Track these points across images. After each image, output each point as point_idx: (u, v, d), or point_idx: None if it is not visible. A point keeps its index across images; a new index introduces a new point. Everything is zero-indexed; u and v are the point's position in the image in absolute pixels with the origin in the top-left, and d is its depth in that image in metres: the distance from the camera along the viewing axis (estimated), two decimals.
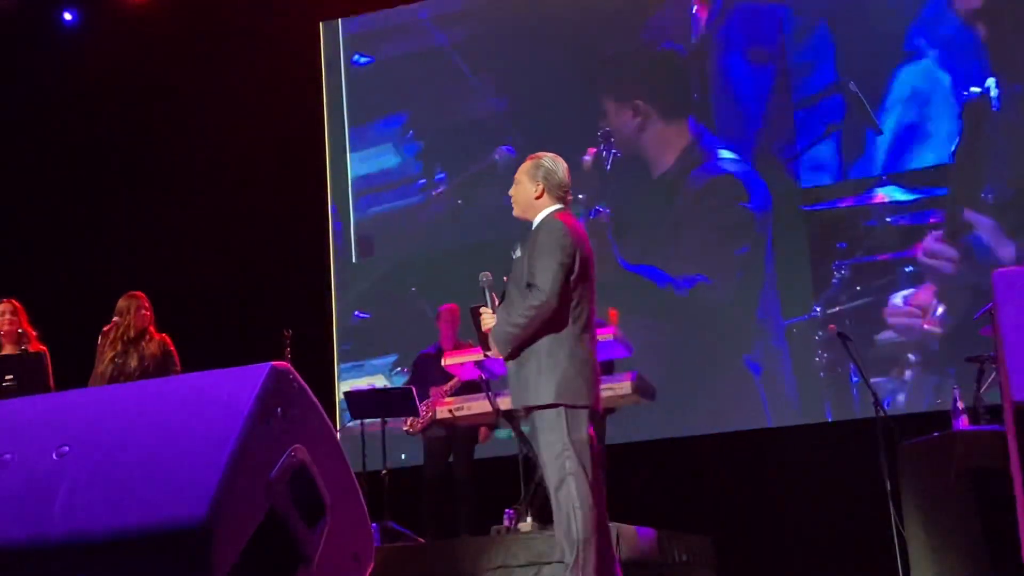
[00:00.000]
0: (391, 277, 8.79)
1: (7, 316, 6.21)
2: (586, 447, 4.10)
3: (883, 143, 7.02)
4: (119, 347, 6.13)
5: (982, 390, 5.55)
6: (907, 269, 6.83)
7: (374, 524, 5.14)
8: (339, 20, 9.50)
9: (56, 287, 8.90)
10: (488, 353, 4.46)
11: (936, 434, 5.41)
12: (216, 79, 9.40)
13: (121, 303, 6.22)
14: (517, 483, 6.06)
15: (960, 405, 5.42)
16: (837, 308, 6.94)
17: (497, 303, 4.31)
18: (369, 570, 3.01)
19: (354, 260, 9.09)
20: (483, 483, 7.18)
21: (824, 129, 7.18)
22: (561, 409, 4.08)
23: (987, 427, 5.30)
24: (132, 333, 6.17)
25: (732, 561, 6.64)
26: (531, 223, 4.27)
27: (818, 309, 7.07)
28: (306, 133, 9.38)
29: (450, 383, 6.83)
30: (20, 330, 6.17)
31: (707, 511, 7.26)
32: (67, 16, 9.85)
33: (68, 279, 9.17)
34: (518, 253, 4.20)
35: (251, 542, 2.59)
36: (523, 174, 4.30)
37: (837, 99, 7.22)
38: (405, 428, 7.16)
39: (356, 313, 8.66)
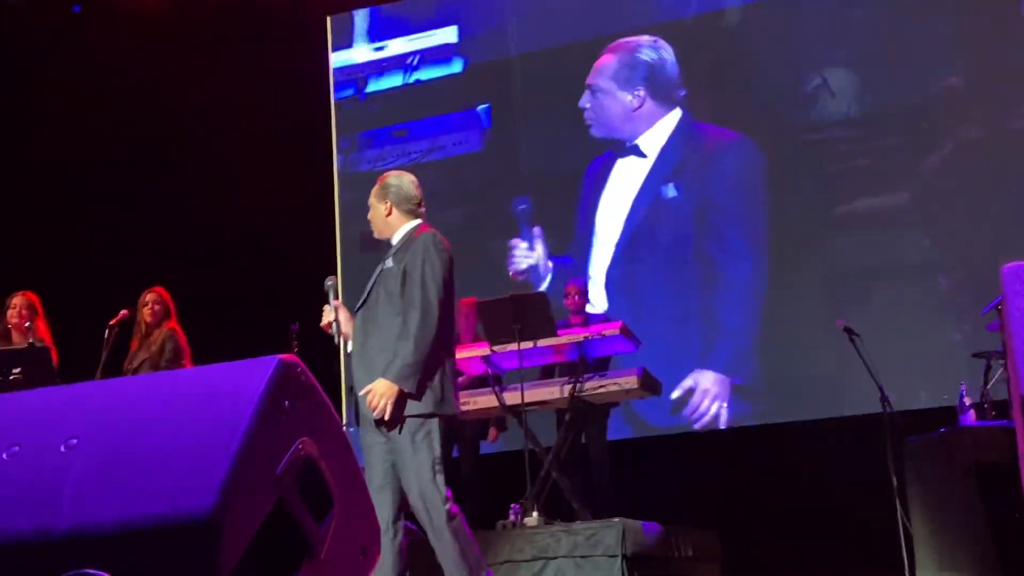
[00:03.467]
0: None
1: (19, 309, 6.24)
2: (439, 460, 4.08)
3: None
4: (137, 346, 6.17)
5: (989, 385, 5.54)
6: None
7: None
8: (351, 12, 9.52)
9: (62, 281, 8.90)
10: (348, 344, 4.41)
11: (943, 430, 5.41)
12: (222, 71, 9.40)
13: (146, 296, 6.26)
14: (523, 478, 6.07)
15: (967, 400, 5.42)
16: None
17: (342, 309, 4.37)
18: (376, 564, 3.01)
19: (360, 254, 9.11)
20: (489, 478, 7.18)
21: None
22: (432, 421, 4.07)
23: (994, 422, 5.30)
24: (148, 330, 6.19)
25: (738, 556, 6.64)
26: (390, 240, 4.34)
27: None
28: (313, 125, 9.38)
29: (459, 378, 6.83)
30: (28, 324, 6.19)
31: (713, 506, 7.26)
32: (76, 9, 9.86)
33: (74, 273, 9.18)
34: (389, 264, 4.23)
35: (258, 535, 2.59)
36: (372, 197, 4.40)
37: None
38: None
39: None
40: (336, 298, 4.40)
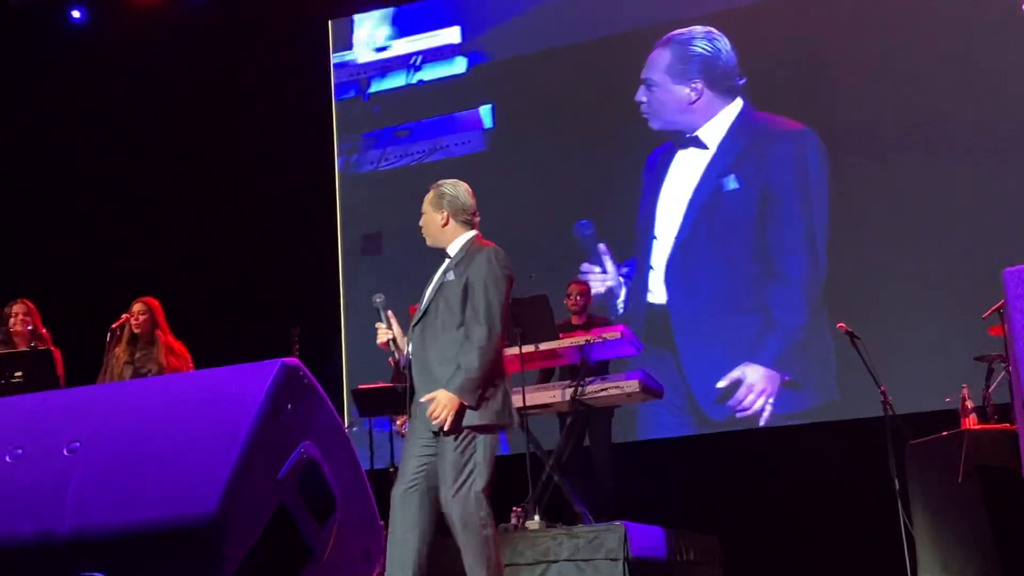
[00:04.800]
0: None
1: (20, 316, 6.24)
2: (492, 467, 4.13)
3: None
4: (128, 352, 6.16)
5: (991, 388, 5.54)
6: None
7: (383, 521, 5.15)
8: (353, 17, 9.53)
9: (65, 286, 8.91)
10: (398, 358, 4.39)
11: (945, 433, 5.40)
12: (224, 76, 9.41)
13: (133, 306, 6.24)
14: (524, 481, 6.06)
15: (969, 404, 5.41)
16: None
17: (394, 322, 4.35)
18: (378, 567, 3.01)
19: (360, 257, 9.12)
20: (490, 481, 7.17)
21: None
22: (482, 433, 4.10)
23: (996, 426, 5.30)
24: (141, 337, 6.19)
25: (740, 560, 6.64)
26: (445, 250, 4.30)
27: None
28: (316, 127, 9.38)
29: None
30: (30, 327, 6.19)
31: (715, 509, 7.25)
32: (75, 14, 9.87)
33: (77, 278, 9.18)
34: (451, 277, 4.21)
35: (261, 538, 2.59)
36: (428, 204, 4.34)
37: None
38: (395, 429, 7.16)
39: None
40: (389, 314, 4.37)
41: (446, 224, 4.30)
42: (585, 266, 8.35)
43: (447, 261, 4.27)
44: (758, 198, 7.97)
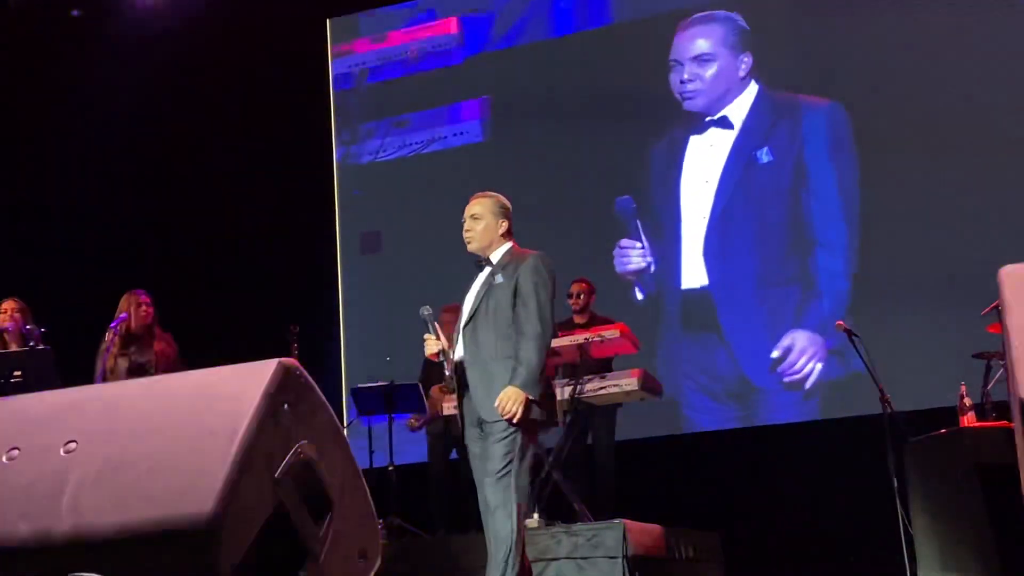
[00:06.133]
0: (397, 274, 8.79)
1: (10, 313, 6.24)
2: (531, 460, 4.32)
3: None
4: (123, 346, 6.15)
5: (989, 386, 5.53)
6: None
7: (380, 520, 5.15)
8: (356, 15, 9.54)
9: (62, 284, 8.91)
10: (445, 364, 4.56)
11: (943, 431, 5.40)
12: (222, 72, 9.40)
13: (122, 301, 6.24)
14: None
15: (967, 401, 5.41)
16: None
17: (440, 333, 4.48)
18: (376, 566, 3.02)
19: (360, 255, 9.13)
20: None
21: None
22: (521, 429, 4.25)
23: (995, 423, 5.29)
24: (136, 331, 6.19)
25: (739, 557, 6.64)
26: (487, 257, 4.45)
27: None
28: (312, 127, 9.38)
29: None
30: (24, 328, 6.19)
31: (714, 507, 7.25)
32: (75, 13, 9.86)
33: (73, 276, 9.17)
34: (499, 280, 4.37)
35: (258, 538, 2.59)
36: (485, 209, 4.49)
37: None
38: (408, 424, 7.20)
39: None
40: (436, 325, 4.47)
41: (505, 233, 4.49)
42: (625, 241, 8.37)
43: (489, 268, 4.44)
44: (792, 170, 7.98)
